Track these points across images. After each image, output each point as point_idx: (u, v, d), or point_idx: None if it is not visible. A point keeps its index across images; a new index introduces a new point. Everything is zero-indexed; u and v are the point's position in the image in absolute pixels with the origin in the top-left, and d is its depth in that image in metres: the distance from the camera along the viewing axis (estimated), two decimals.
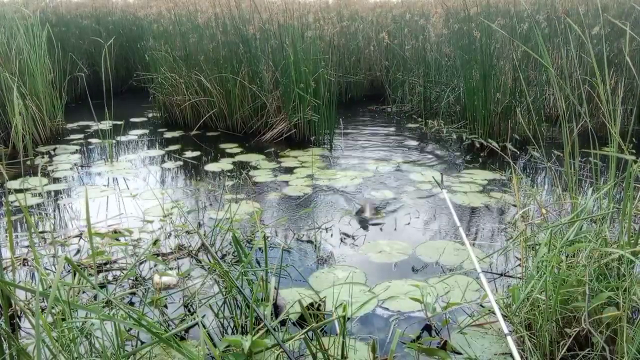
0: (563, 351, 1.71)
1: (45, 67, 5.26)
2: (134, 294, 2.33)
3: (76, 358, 1.43)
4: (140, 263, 2.54)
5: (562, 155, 2.51)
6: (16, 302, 1.53)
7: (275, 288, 2.16)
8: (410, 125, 6.05)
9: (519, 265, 2.51)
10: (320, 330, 2.03)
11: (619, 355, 1.65)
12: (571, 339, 1.72)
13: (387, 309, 2.22)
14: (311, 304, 2.14)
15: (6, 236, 2.97)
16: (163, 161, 4.68)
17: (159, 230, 2.99)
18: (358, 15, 8.03)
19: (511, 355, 1.70)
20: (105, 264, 2.59)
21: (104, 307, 1.93)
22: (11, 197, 3.48)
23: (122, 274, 2.48)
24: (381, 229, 3.09)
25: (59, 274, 1.28)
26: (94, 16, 8.67)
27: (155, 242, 2.69)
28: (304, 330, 1.68)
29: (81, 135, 5.59)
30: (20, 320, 2.01)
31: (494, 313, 1.94)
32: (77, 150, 5.02)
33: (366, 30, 7.60)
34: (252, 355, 1.71)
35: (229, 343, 1.73)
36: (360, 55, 7.52)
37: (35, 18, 5.22)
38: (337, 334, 1.89)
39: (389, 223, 3.17)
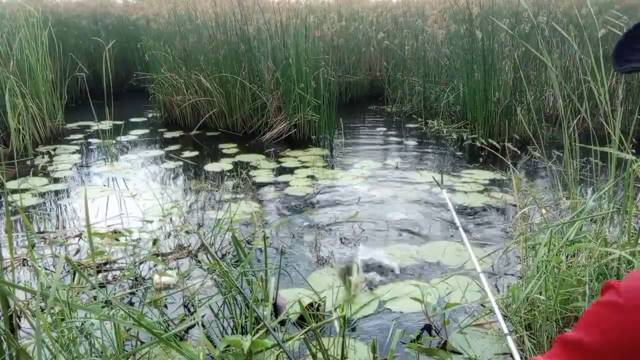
0: None
1: (45, 67, 5.26)
2: (133, 294, 2.33)
3: (76, 358, 1.43)
4: (140, 263, 2.54)
5: (562, 155, 2.51)
6: (15, 302, 1.53)
7: (275, 288, 2.16)
8: (410, 125, 6.04)
9: (519, 265, 2.51)
10: (321, 330, 2.03)
11: None
12: None
13: (387, 309, 2.22)
14: (311, 304, 2.13)
15: (6, 236, 2.97)
16: (163, 161, 4.68)
17: (159, 230, 2.99)
18: (358, 15, 8.03)
19: (511, 355, 1.69)
20: (105, 264, 2.58)
21: (103, 307, 1.93)
22: (11, 198, 3.47)
23: (121, 274, 2.48)
24: (379, 230, 3.09)
25: (58, 274, 1.28)
26: (92, 16, 8.67)
27: (155, 242, 2.69)
28: (304, 331, 1.68)
29: (81, 135, 5.59)
30: (20, 320, 2.01)
31: (494, 313, 1.93)
32: (77, 150, 5.02)
33: (366, 30, 7.61)
34: (251, 355, 1.70)
35: (229, 343, 1.72)
36: (360, 55, 7.53)
37: (36, 17, 5.22)
38: (337, 334, 1.89)
39: (391, 224, 3.17)
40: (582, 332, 0.58)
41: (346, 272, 2.35)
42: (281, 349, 1.70)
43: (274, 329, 1.83)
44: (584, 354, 0.56)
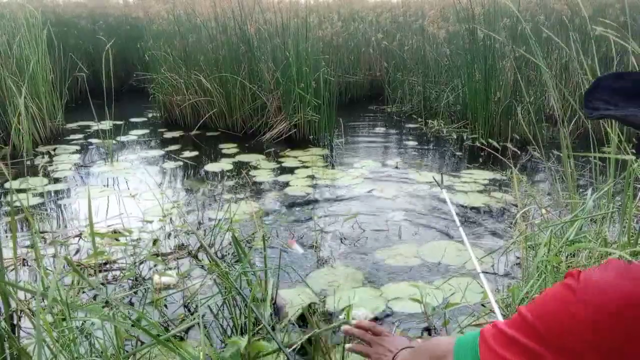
0: None
1: (45, 67, 5.26)
2: (134, 293, 2.33)
3: (76, 358, 1.43)
4: (140, 263, 2.54)
5: (562, 155, 2.51)
6: (16, 302, 1.53)
7: (275, 288, 2.16)
8: (410, 125, 6.05)
9: (519, 265, 2.51)
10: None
11: None
12: None
13: (388, 309, 2.22)
14: (310, 305, 2.13)
15: (7, 236, 2.98)
16: (163, 161, 4.68)
17: (159, 230, 2.99)
18: (358, 15, 8.03)
19: None
20: (105, 263, 2.59)
21: (103, 307, 1.93)
22: (16, 197, 3.47)
23: (121, 274, 2.48)
24: (379, 231, 3.09)
25: (59, 273, 1.28)
26: (92, 16, 8.66)
27: (155, 242, 2.69)
28: (306, 336, 1.67)
29: (81, 135, 5.59)
30: (20, 320, 2.01)
31: (494, 313, 1.93)
32: (77, 150, 5.02)
33: (365, 30, 7.61)
34: (249, 357, 1.70)
35: (229, 344, 1.72)
36: (359, 55, 7.53)
37: (36, 17, 5.22)
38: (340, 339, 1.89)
39: (391, 224, 3.17)
40: (537, 317, 0.59)
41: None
42: (281, 350, 1.70)
43: (273, 328, 1.83)
44: (536, 339, 0.58)
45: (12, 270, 2.25)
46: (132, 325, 1.47)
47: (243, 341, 1.56)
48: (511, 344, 0.60)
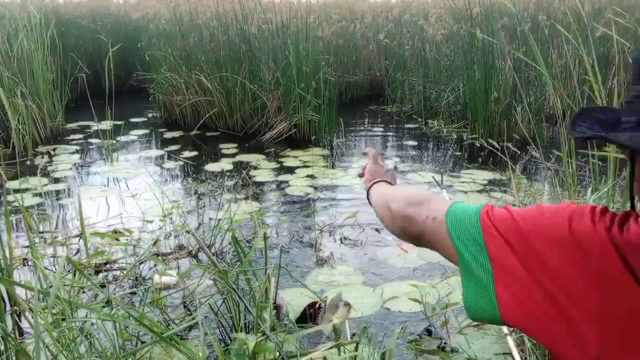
0: None
1: (46, 67, 5.26)
2: (134, 293, 2.33)
3: (76, 358, 1.43)
4: (140, 263, 2.54)
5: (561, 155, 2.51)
6: (17, 300, 1.53)
7: (274, 287, 2.16)
8: (410, 125, 6.04)
9: None
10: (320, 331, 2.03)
11: None
12: None
13: (388, 309, 2.22)
14: (310, 305, 2.13)
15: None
16: (163, 161, 4.68)
17: (159, 230, 2.99)
18: (357, 15, 8.03)
19: (511, 355, 1.70)
20: (105, 264, 2.59)
21: (103, 307, 1.93)
22: (11, 198, 3.47)
23: (122, 274, 2.48)
24: (379, 231, 3.09)
25: (60, 272, 1.28)
26: (92, 16, 8.65)
27: (155, 242, 2.69)
28: (324, 349, 1.65)
29: (81, 136, 5.59)
30: (20, 320, 2.01)
31: None
32: (77, 150, 5.02)
33: (365, 30, 7.60)
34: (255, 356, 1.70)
35: (231, 342, 1.72)
36: (359, 55, 7.52)
37: (38, 17, 5.22)
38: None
39: None
40: (540, 216, 0.65)
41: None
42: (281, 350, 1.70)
43: (273, 329, 1.83)
44: (529, 230, 0.64)
45: (12, 270, 2.25)
46: (136, 323, 1.47)
47: (251, 341, 1.56)
48: (513, 228, 0.65)
